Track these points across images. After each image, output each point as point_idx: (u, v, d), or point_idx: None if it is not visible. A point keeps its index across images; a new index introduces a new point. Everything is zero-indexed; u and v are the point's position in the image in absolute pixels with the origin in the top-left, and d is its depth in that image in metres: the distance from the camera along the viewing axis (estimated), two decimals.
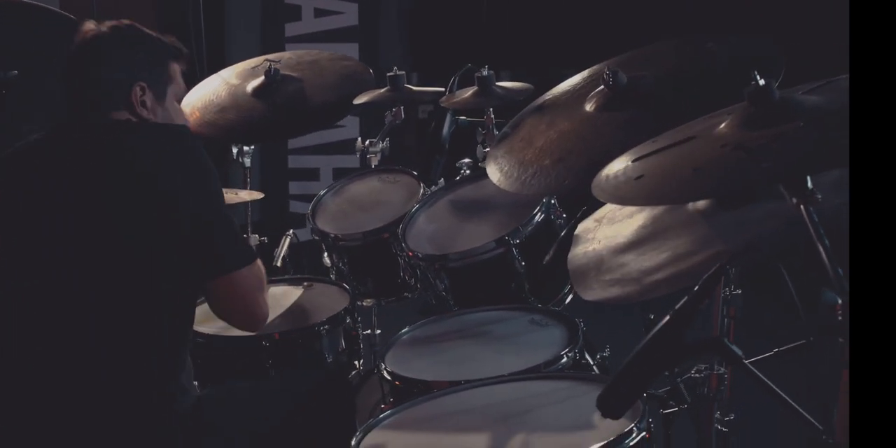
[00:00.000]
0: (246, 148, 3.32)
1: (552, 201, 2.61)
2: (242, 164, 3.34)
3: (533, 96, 2.64)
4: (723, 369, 2.04)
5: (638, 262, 1.80)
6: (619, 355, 2.50)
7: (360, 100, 2.87)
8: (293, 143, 5.39)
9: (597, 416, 1.78)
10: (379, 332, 3.18)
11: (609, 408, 1.60)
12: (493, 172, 2.38)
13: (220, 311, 2.13)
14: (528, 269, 2.53)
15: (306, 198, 5.23)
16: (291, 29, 5.28)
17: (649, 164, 1.67)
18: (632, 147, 1.93)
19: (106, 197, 1.99)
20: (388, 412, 1.99)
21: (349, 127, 5.32)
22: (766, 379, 1.62)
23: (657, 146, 1.72)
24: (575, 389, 1.94)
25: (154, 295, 2.00)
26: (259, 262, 2.10)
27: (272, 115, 2.95)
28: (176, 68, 2.19)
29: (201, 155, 2.05)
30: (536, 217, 2.57)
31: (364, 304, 2.93)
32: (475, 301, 2.55)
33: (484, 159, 2.94)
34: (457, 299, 2.60)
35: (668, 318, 1.57)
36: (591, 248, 1.98)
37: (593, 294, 1.78)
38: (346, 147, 5.39)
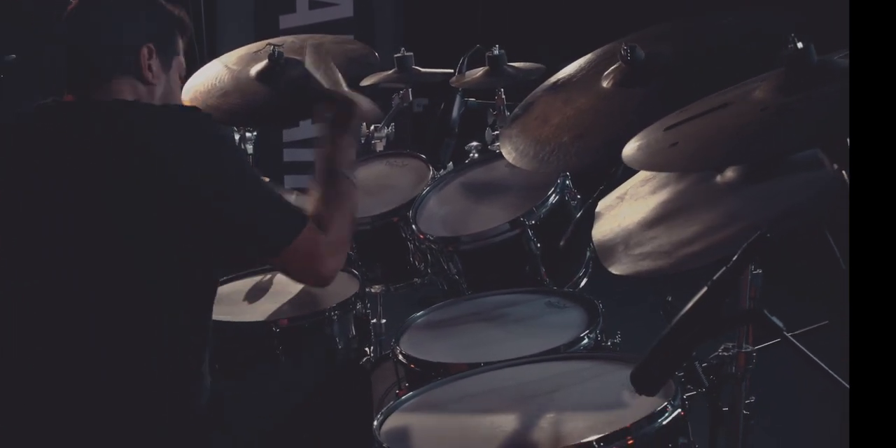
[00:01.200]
0: (248, 134, 3.26)
1: (567, 182, 2.56)
2: (245, 150, 3.28)
3: (544, 76, 2.58)
4: (751, 347, 1.99)
5: (668, 236, 1.74)
6: (630, 341, 2.46)
7: (367, 81, 2.81)
8: (288, 135, 5.37)
9: (627, 394, 1.74)
10: (385, 320, 3.13)
11: (643, 384, 1.55)
12: (509, 151, 2.32)
13: (291, 278, 2.08)
14: (543, 251, 2.48)
15: (302, 192, 5.19)
16: (286, 21, 5.22)
17: (683, 132, 1.62)
18: (652, 121, 1.89)
19: (116, 190, 1.86)
20: (409, 394, 1.93)
21: None
22: (808, 352, 1.57)
23: (688, 115, 1.67)
24: (599, 368, 1.89)
25: (167, 293, 1.91)
26: (310, 225, 1.96)
27: (277, 98, 2.87)
28: (182, 41, 2.10)
29: (220, 136, 1.96)
30: (551, 198, 2.52)
31: (373, 290, 2.88)
32: (489, 284, 2.50)
33: (493, 142, 2.90)
34: (470, 283, 2.54)
35: (705, 289, 1.53)
36: (616, 224, 1.92)
37: (623, 268, 1.72)
38: None
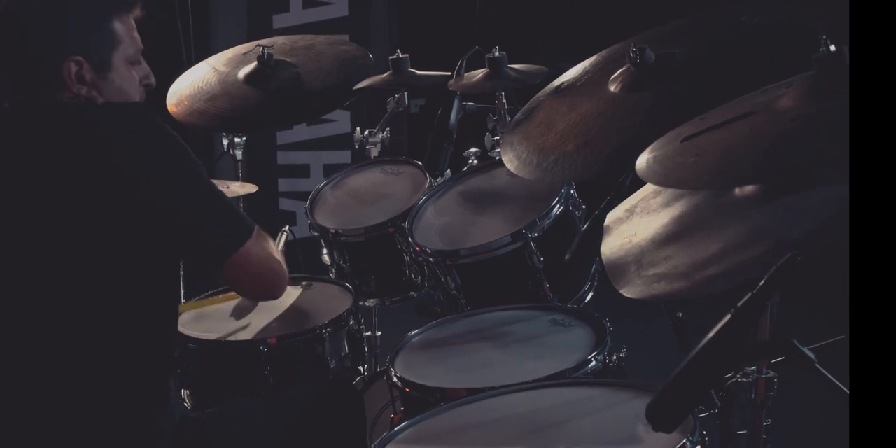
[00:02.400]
0: (237, 139, 3.13)
1: (571, 191, 2.42)
2: (233, 156, 3.15)
3: (547, 80, 2.45)
4: (772, 373, 1.85)
5: (685, 255, 1.60)
6: (638, 359, 2.32)
7: (361, 85, 2.67)
8: (282, 138, 5.25)
9: (642, 429, 1.60)
10: (380, 333, 3.00)
11: (661, 420, 1.42)
12: (510, 160, 2.19)
13: (235, 290, 2.04)
14: (546, 265, 2.34)
15: (296, 195, 5.12)
16: (279, 20, 5.09)
17: (703, 144, 1.48)
18: (665, 128, 1.76)
19: (64, 192, 1.75)
20: (404, 424, 1.79)
21: (340, 121, 5.21)
22: (839, 383, 1.44)
23: (708, 124, 1.53)
24: (611, 397, 1.75)
25: (115, 296, 1.80)
26: (258, 230, 1.88)
27: (267, 102, 2.74)
28: (122, 25, 1.85)
29: (166, 131, 1.80)
30: (555, 209, 2.37)
31: (367, 304, 2.74)
32: (489, 300, 2.36)
33: (493, 148, 2.76)
34: (469, 298, 2.40)
35: (728, 317, 1.39)
36: (627, 240, 1.78)
37: (636, 291, 1.58)
38: (338, 142, 5.28)
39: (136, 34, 1.90)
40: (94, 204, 1.74)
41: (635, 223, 1.87)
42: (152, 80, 1.94)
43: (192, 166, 1.80)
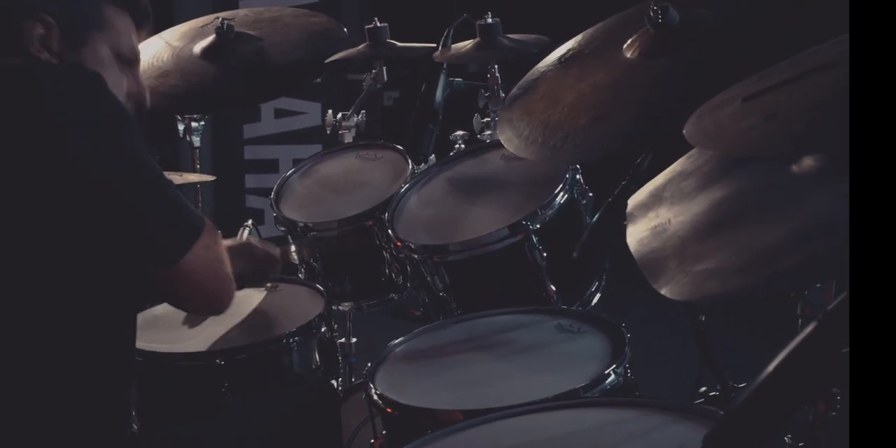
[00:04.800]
0: (195, 124, 2.81)
1: (577, 176, 2.11)
2: (191, 143, 2.82)
3: (547, 50, 2.13)
4: (835, 389, 1.55)
5: (738, 247, 1.30)
6: (653, 368, 2.03)
7: (334, 57, 2.35)
8: (249, 131, 5.05)
9: None
10: (355, 339, 2.68)
11: None
12: (509, 139, 1.87)
13: (167, 300, 1.68)
14: (550, 261, 2.02)
15: (264, 191, 4.88)
16: None
17: (771, 104, 1.16)
18: (697, 96, 1.46)
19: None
20: None
21: (310, 113, 5.03)
22: None
23: (774, 81, 1.22)
24: (644, 422, 1.43)
25: (62, 297, 1.50)
26: (209, 231, 1.56)
27: (226, 78, 2.42)
28: (117, 16, 1.65)
29: (115, 101, 1.51)
30: (559, 197, 2.06)
31: (341, 308, 2.41)
32: (483, 302, 2.05)
33: (483, 131, 2.45)
34: (460, 300, 2.09)
35: (814, 325, 1.08)
36: (660, 230, 1.47)
37: (682, 290, 1.27)
38: (308, 135, 5.02)
39: (134, 39, 1.69)
40: (27, 174, 1.44)
41: (666, 210, 1.56)
42: (146, 100, 1.72)
43: (137, 144, 1.50)
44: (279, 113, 5.01)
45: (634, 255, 1.43)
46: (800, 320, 2.00)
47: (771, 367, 1.10)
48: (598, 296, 2.18)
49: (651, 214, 1.58)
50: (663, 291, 1.29)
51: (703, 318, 2.04)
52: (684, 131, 1.21)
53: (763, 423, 1.09)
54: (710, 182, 1.57)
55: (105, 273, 1.53)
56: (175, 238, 1.51)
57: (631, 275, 2.49)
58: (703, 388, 1.99)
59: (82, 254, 1.48)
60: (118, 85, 1.63)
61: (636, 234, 1.51)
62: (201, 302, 1.61)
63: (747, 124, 1.11)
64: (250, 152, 5.04)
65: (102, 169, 1.45)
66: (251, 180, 5.03)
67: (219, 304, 1.64)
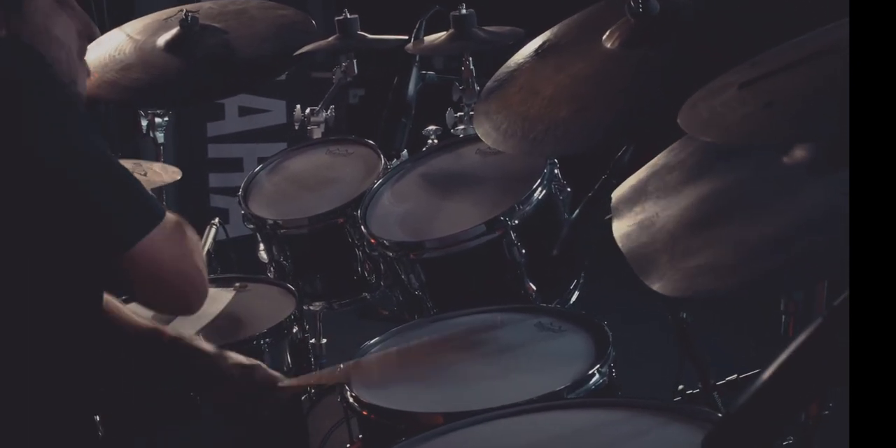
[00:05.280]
0: (158, 120, 2.72)
1: (555, 171, 2.06)
2: (154, 139, 2.73)
3: (523, 42, 2.08)
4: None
5: (731, 241, 1.25)
6: (634, 367, 1.98)
7: (303, 50, 2.28)
8: (213, 129, 4.92)
9: None
10: (325, 340, 2.61)
11: None
12: (487, 133, 1.82)
13: (136, 298, 1.58)
14: (529, 258, 1.97)
15: (229, 191, 4.81)
16: None
17: (768, 91, 1.11)
18: (679, 86, 1.42)
19: None
20: None
21: (275, 111, 4.91)
22: None
23: (768, 68, 1.17)
24: (634, 423, 1.38)
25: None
26: (170, 219, 1.46)
27: (191, 72, 2.34)
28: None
29: (62, 85, 1.42)
30: (537, 192, 2.01)
31: (311, 308, 2.34)
32: (459, 301, 1.98)
33: (456, 126, 2.39)
34: (436, 299, 2.03)
35: (819, 322, 1.03)
36: (647, 224, 1.42)
37: (674, 287, 1.22)
38: (273, 133, 4.93)
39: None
40: None
41: (652, 204, 1.51)
42: (95, 31, 1.54)
43: (89, 129, 1.40)
44: (243, 111, 4.93)
45: (623, 249, 1.37)
46: (783, 317, 1.96)
47: (773, 367, 1.05)
48: (576, 293, 2.13)
49: (637, 209, 1.52)
50: (655, 287, 1.24)
51: (685, 316, 2.00)
52: (678, 120, 1.16)
53: (766, 425, 1.04)
54: (697, 175, 1.52)
55: (62, 265, 1.44)
56: (129, 222, 1.41)
57: (609, 272, 2.44)
58: (681, 387, 1.95)
59: (38, 244, 1.39)
60: (69, 33, 1.49)
61: (622, 229, 1.45)
62: (165, 297, 1.50)
63: (746, 111, 1.06)
64: (214, 151, 4.93)
65: (54, 153, 1.35)
66: (215, 179, 4.91)
67: (185, 302, 1.54)
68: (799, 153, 1.36)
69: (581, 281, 2.14)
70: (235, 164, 4.91)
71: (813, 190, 1.29)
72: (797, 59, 1.13)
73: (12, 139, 1.33)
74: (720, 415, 1.28)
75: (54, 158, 1.35)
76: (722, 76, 1.24)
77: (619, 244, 1.39)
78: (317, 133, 2.63)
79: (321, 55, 2.46)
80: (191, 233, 1.54)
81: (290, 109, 4.91)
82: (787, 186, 1.32)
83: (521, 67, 1.95)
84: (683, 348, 1.96)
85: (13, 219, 1.36)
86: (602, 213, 1.89)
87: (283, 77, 4.98)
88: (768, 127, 1.04)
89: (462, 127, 2.38)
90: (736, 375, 2.06)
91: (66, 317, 1.47)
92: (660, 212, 1.45)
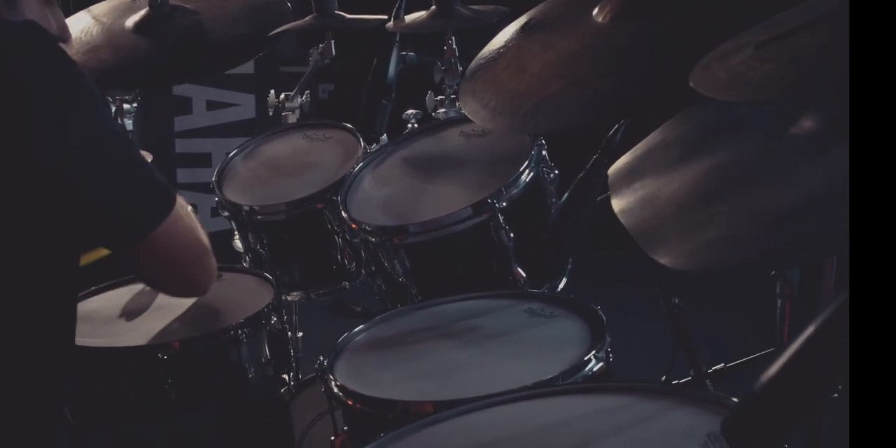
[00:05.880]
0: (127, 106, 2.62)
1: (543, 152, 1.99)
2: (123, 126, 2.63)
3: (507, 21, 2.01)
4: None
5: (748, 212, 1.18)
6: (626, 355, 1.91)
7: (279, 30, 2.19)
8: (180, 124, 4.87)
9: None
10: (301, 334, 2.52)
11: (747, 442, 0.98)
12: (475, 111, 1.74)
13: (150, 283, 1.64)
14: (517, 242, 1.89)
15: (197, 186, 4.73)
16: None
17: (786, 50, 1.05)
18: (677, 59, 1.36)
19: None
20: None
21: (244, 105, 4.88)
22: None
23: (786, 27, 1.10)
24: (639, 408, 1.31)
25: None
26: (180, 203, 1.45)
27: (161, 53, 2.25)
28: None
29: (79, 69, 1.37)
30: (524, 174, 1.93)
31: (289, 298, 2.26)
32: (445, 287, 1.91)
33: (436, 109, 2.31)
34: (421, 286, 1.95)
35: (844, 296, 0.97)
36: (648, 198, 1.35)
37: (688, 261, 1.15)
38: (242, 128, 4.85)
39: None
40: None
41: (652, 180, 1.44)
42: (69, 35, 1.56)
43: (102, 107, 1.38)
44: (211, 105, 4.87)
45: (626, 225, 1.30)
46: (779, 300, 1.90)
47: (797, 344, 0.98)
48: (564, 280, 2.06)
49: (636, 185, 1.45)
50: (664, 261, 1.17)
51: (677, 301, 1.94)
52: (692, 82, 1.09)
53: (791, 407, 0.98)
54: (697, 150, 1.45)
55: (66, 257, 1.38)
56: (143, 209, 1.40)
57: (598, 256, 2.37)
58: (664, 378, 1.89)
59: (46, 233, 1.34)
60: (49, 27, 1.48)
61: (623, 205, 1.38)
62: (181, 282, 1.54)
63: (769, 69, 0.99)
64: (181, 146, 4.86)
65: (74, 141, 1.32)
66: (183, 175, 4.83)
67: (200, 284, 1.58)
68: (807, 124, 1.30)
69: (569, 267, 2.07)
70: (204, 160, 4.85)
71: (824, 160, 1.24)
72: (813, 20, 1.07)
73: (24, 124, 1.27)
74: (734, 399, 1.21)
75: (67, 146, 1.30)
76: (733, 38, 1.18)
77: (622, 220, 1.33)
78: (291, 119, 2.54)
79: (291, 50, 2.37)
80: (188, 207, 1.53)
81: (260, 103, 4.86)
82: (797, 158, 1.27)
83: (507, 45, 1.88)
84: (676, 333, 1.91)
85: (21, 211, 1.32)
86: (594, 194, 1.83)
87: (251, 70, 4.92)
88: (798, 82, 0.98)
89: (443, 110, 2.30)
90: (723, 364, 2.02)
91: (55, 304, 1.41)
92: (662, 187, 1.39)
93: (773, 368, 0.99)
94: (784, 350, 0.99)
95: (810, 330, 0.97)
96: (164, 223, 1.40)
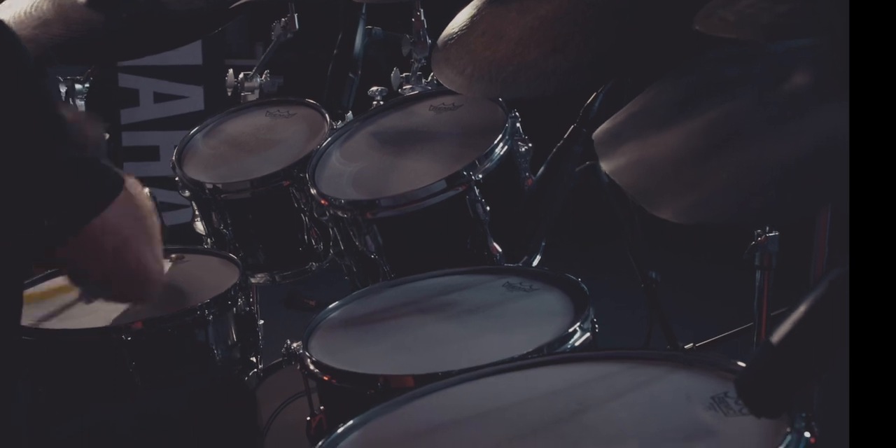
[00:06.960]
0: (78, 86, 2.52)
1: (517, 125, 1.94)
2: (74, 106, 2.53)
3: None
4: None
5: (750, 162, 1.14)
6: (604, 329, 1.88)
7: (239, 3, 2.11)
8: (126, 116, 4.73)
9: (709, 413, 1.11)
10: (262, 322, 2.44)
11: (762, 400, 0.95)
12: (451, 79, 1.70)
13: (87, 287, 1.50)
14: (493, 216, 1.84)
15: (147, 181, 4.53)
16: None
17: None
18: (665, 23, 1.32)
19: None
20: (347, 426, 1.26)
21: (192, 97, 4.77)
22: None
23: None
24: (636, 374, 1.26)
25: None
26: (130, 183, 1.34)
27: (116, 28, 2.16)
28: None
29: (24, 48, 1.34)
30: (498, 147, 1.88)
31: (253, 280, 2.18)
32: (419, 264, 1.85)
33: (401, 86, 2.25)
34: (394, 263, 1.89)
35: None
36: (640, 157, 1.31)
37: (692, 214, 1.10)
38: (191, 120, 4.74)
39: None
40: None
41: (641, 142, 1.40)
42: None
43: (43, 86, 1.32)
44: (158, 97, 4.76)
45: (621, 184, 1.25)
46: (758, 272, 1.88)
47: (810, 300, 0.94)
48: (538, 256, 2.02)
49: (623, 148, 1.41)
50: (666, 216, 1.12)
51: (654, 275, 1.91)
52: (697, 27, 1.05)
53: (805, 362, 0.94)
54: (684, 112, 1.41)
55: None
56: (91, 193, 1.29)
57: (574, 231, 2.31)
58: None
59: None
60: None
61: (615, 165, 1.33)
62: (121, 282, 1.36)
63: (783, 10, 0.95)
64: (129, 139, 4.75)
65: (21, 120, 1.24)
66: (130, 168, 4.67)
67: (143, 285, 1.39)
68: (801, 79, 1.27)
69: (544, 242, 2.02)
70: (152, 153, 4.74)
71: (819, 113, 1.20)
72: None
73: None
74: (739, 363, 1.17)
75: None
76: None
77: (617, 180, 1.28)
78: (251, 99, 2.47)
79: (238, 43, 2.29)
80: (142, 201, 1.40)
81: (209, 95, 4.76)
82: (795, 110, 1.23)
83: (480, 13, 1.83)
84: (652, 308, 1.87)
85: None
86: (573, 165, 1.79)
87: (199, 61, 4.82)
88: (817, 20, 0.93)
89: (409, 86, 2.24)
90: (692, 343, 1.98)
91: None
92: (653, 146, 1.34)
93: (785, 326, 0.95)
94: (793, 309, 0.95)
95: (818, 290, 0.94)
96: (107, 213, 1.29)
